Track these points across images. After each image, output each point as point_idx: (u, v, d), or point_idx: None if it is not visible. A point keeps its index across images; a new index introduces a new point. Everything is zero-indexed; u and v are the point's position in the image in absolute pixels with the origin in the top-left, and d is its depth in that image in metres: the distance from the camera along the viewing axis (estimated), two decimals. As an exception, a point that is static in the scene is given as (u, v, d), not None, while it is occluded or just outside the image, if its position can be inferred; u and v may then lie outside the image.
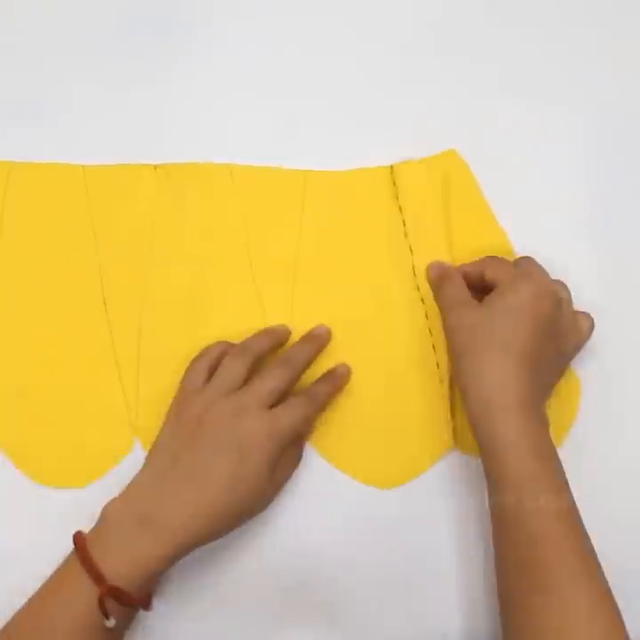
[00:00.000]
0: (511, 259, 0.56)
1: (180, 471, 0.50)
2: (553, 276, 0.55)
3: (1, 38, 0.63)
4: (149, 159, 0.60)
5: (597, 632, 0.45)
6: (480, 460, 0.50)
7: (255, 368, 0.54)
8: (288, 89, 0.62)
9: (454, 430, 0.56)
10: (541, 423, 0.50)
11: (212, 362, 0.54)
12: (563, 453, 0.50)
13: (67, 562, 0.49)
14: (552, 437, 0.50)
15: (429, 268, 0.57)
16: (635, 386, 0.57)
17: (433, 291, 0.57)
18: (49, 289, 0.58)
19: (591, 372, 0.57)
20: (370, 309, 0.58)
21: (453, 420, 0.56)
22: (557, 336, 0.53)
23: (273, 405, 0.52)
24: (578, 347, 0.56)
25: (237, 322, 0.58)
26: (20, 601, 0.49)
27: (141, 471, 0.52)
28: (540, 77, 0.62)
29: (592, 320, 0.55)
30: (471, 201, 0.59)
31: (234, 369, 0.53)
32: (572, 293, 0.55)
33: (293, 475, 0.55)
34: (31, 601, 0.49)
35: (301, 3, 0.63)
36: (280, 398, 0.52)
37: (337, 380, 0.56)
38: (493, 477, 0.49)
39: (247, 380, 0.53)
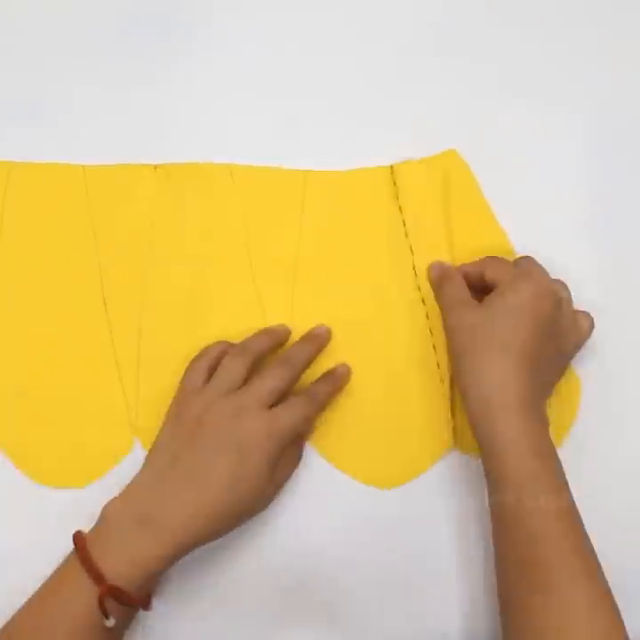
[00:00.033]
0: (511, 259, 0.56)
1: (180, 471, 0.50)
2: (553, 276, 0.55)
3: (1, 38, 0.63)
4: (149, 159, 0.60)
5: (597, 632, 0.45)
6: (480, 459, 0.50)
7: (255, 368, 0.54)
8: (288, 89, 0.62)
9: (454, 430, 0.56)
10: (541, 422, 0.50)
11: (211, 362, 0.54)
12: (563, 453, 0.50)
13: (66, 561, 0.49)
14: (552, 437, 0.50)
15: (430, 268, 0.57)
16: (635, 386, 0.57)
17: (434, 291, 0.57)
18: (49, 289, 0.58)
19: (591, 371, 0.57)
20: (370, 309, 0.58)
21: (453, 419, 0.56)
22: (557, 335, 0.53)
23: (273, 405, 0.52)
24: (578, 346, 0.56)
25: (237, 322, 0.57)
26: (20, 601, 0.49)
27: (141, 471, 0.52)
28: (540, 77, 0.62)
29: (592, 319, 0.55)
30: (471, 201, 0.59)
31: (234, 369, 0.53)
32: (572, 293, 0.55)
33: (293, 474, 0.55)
34: (31, 601, 0.49)
35: (301, 3, 0.63)
36: (280, 398, 0.52)
37: (337, 380, 0.56)
38: (493, 477, 0.49)
39: (247, 380, 0.53)
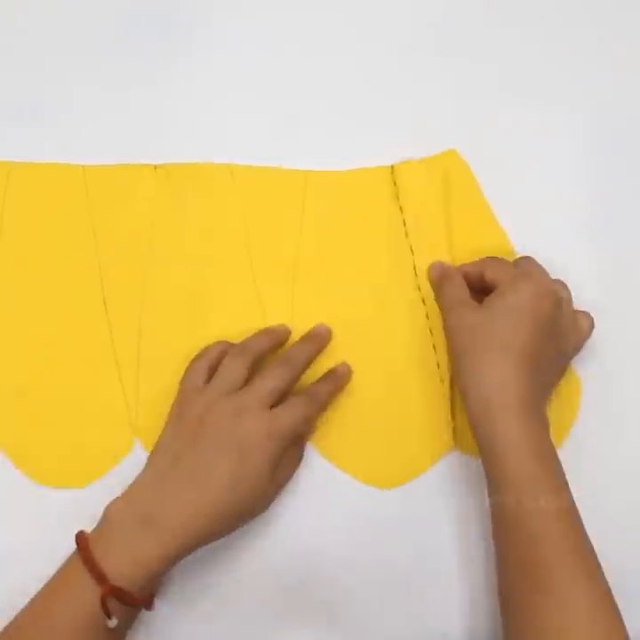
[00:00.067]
0: (511, 259, 0.56)
1: (181, 471, 0.50)
2: (553, 276, 0.55)
3: (1, 38, 0.63)
4: (149, 159, 0.60)
5: (597, 632, 0.45)
6: (480, 459, 0.50)
7: (255, 368, 0.54)
8: (288, 89, 0.62)
9: (454, 430, 0.56)
10: (541, 423, 0.50)
11: (211, 362, 0.54)
12: (563, 453, 0.50)
13: (69, 562, 0.49)
14: (552, 437, 0.50)
15: (430, 268, 0.57)
16: (635, 386, 0.57)
17: (434, 291, 0.57)
18: (49, 289, 0.58)
19: (591, 371, 0.57)
20: (370, 309, 0.58)
21: (453, 420, 0.56)
22: (557, 336, 0.53)
23: (273, 405, 0.52)
24: (578, 346, 0.56)
25: (237, 322, 0.58)
26: (20, 601, 0.49)
27: (143, 471, 0.52)
28: (540, 77, 0.62)
29: (592, 319, 0.55)
30: (471, 201, 0.59)
31: (234, 369, 0.53)
32: (572, 293, 0.55)
33: (294, 474, 0.55)
34: (33, 601, 0.49)
35: (301, 3, 0.63)
36: (280, 398, 0.52)
37: (337, 380, 0.56)
38: (493, 477, 0.49)
39: (247, 380, 0.53)
